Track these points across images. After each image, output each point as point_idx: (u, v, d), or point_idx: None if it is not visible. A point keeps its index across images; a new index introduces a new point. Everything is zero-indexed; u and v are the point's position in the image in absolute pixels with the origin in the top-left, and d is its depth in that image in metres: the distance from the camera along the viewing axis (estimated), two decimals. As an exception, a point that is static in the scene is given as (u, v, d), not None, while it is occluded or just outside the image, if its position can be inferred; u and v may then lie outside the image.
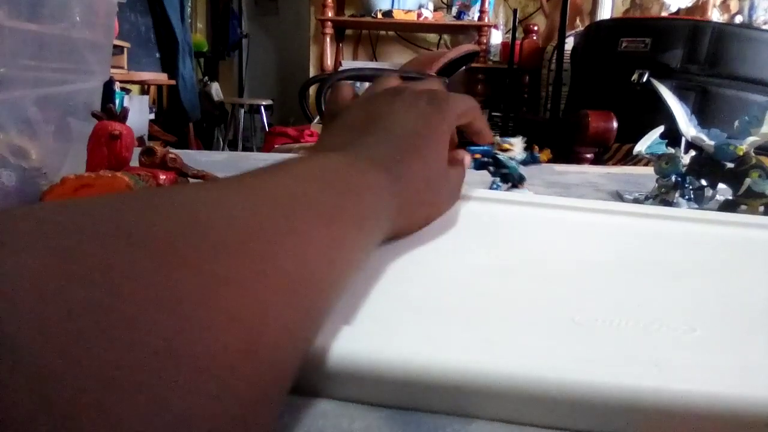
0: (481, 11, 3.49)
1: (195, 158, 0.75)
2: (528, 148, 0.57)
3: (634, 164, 1.43)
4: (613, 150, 1.95)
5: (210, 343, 0.14)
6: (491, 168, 0.57)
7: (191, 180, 0.48)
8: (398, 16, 3.41)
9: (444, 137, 0.36)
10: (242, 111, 4.09)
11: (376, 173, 0.29)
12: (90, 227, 0.14)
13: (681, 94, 1.75)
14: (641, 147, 0.62)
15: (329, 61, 3.60)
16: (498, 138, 0.58)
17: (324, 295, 0.21)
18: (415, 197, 0.33)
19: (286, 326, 0.17)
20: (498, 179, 0.57)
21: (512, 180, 0.57)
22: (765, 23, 2.23)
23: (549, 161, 0.59)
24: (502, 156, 0.56)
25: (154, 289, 0.14)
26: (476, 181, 0.63)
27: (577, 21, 2.93)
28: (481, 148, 0.57)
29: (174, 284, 0.14)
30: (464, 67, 2.84)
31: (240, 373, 0.14)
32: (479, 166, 0.58)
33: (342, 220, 0.23)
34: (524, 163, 0.57)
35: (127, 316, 0.13)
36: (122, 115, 0.46)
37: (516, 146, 0.57)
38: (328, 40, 3.55)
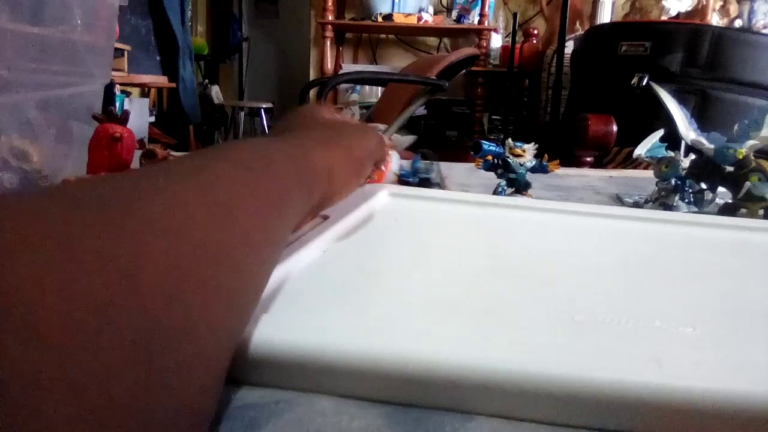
0: (481, 15, 3.49)
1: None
2: (538, 155, 0.58)
3: (634, 167, 1.43)
4: (613, 153, 1.95)
5: (84, 278, 0.15)
6: (499, 170, 0.58)
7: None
8: (398, 19, 3.41)
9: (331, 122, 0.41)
10: (242, 114, 4.10)
11: (285, 141, 0.33)
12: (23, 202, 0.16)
13: (681, 97, 1.75)
14: (641, 150, 0.62)
15: (329, 65, 3.60)
16: (510, 141, 0.58)
17: (217, 231, 0.21)
18: (327, 162, 0.35)
19: (167, 262, 0.18)
20: (504, 183, 0.57)
21: (518, 186, 0.57)
22: (764, 27, 2.23)
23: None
24: (512, 161, 0.57)
25: (39, 241, 0.15)
26: (478, 184, 0.63)
27: (577, 25, 2.93)
28: (493, 149, 0.57)
29: (54, 234, 0.15)
30: (464, 71, 2.85)
31: (120, 305, 0.15)
32: (489, 167, 0.58)
33: (221, 164, 0.25)
34: (533, 170, 0.57)
35: (21, 264, 0.14)
36: (123, 118, 0.47)
37: (528, 153, 0.57)
38: (328, 43, 3.55)
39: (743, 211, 0.53)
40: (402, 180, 0.58)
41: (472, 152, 0.58)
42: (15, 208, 0.16)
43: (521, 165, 0.57)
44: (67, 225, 0.16)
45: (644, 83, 1.94)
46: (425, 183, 0.58)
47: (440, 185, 0.58)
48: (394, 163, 0.58)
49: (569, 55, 2.48)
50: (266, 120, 4.08)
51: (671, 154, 0.60)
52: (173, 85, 3.44)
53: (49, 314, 0.13)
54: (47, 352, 0.13)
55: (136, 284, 0.16)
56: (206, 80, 4.29)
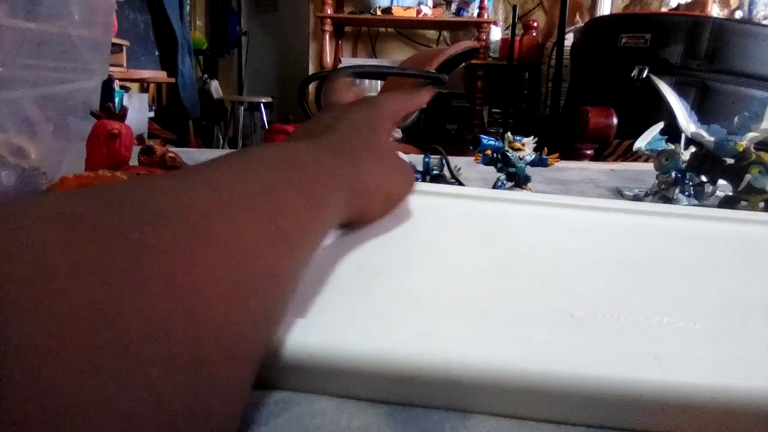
0: (481, 8, 3.48)
1: (195, 156, 0.75)
2: (538, 149, 0.57)
3: (634, 160, 1.43)
4: (613, 146, 1.95)
5: (139, 306, 0.14)
6: (499, 164, 0.57)
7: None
8: (397, 12, 3.40)
9: (385, 134, 0.39)
10: (242, 108, 4.09)
11: (324, 153, 0.30)
12: (31, 211, 0.15)
13: (681, 89, 1.75)
14: (641, 143, 0.62)
15: (328, 59, 3.59)
16: (510, 135, 0.58)
17: (273, 259, 0.21)
18: (368, 179, 0.34)
19: (226, 289, 0.17)
20: (504, 177, 0.57)
21: (517, 180, 0.57)
22: (765, 18, 2.22)
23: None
24: (511, 154, 0.56)
25: (78, 260, 0.14)
26: (477, 178, 0.63)
27: (577, 17, 2.92)
28: (493, 144, 0.57)
29: (97, 253, 0.14)
30: (464, 64, 2.84)
31: (176, 334, 0.15)
32: (488, 161, 0.58)
33: (285, 190, 0.24)
34: (532, 163, 0.57)
35: (53, 288, 0.13)
36: (121, 114, 0.46)
37: (527, 146, 0.57)
38: (327, 37, 3.54)
39: (744, 203, 0.53)
40: None
41: (471, 147, 0.57)
42: (78, 230, 0.15)
43: (521, 159, 0.56)
44: (132, 248, 0.15)
45: (644, 75, 1.93)
46: (438, 179, 0.58)
47: (457, 181, 0.57)
48: None
49: (569, 48, 2.47)
50: (266, 114, 4.07)
51: (671, 146, 0.60)
52: (172, 80, 3.43)
53: (97, 341, 0.13)
54: (97, 378, 0.12)
55: (194, 314, 0.15)
56: (205, 75, 4.28)
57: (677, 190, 0.58)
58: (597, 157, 1.94)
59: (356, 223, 0.36)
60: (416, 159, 0.60)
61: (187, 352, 0.15)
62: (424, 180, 0.58)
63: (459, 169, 0.58)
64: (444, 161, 0.58)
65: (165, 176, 0.21)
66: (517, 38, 2.96)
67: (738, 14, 2.26)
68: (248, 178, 0.23)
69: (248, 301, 0.18)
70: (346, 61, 3.71)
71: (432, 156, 0.58)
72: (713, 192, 0.59)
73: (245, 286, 0.18)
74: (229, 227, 0.19)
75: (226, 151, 1.46)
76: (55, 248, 0.14)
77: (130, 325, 0.14)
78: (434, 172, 0.58)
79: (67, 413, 0.12)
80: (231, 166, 0.23)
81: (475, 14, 3.51)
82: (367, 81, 3.40)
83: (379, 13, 3.42)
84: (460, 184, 0.56)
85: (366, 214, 0.36)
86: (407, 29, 3.84)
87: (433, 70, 1.80)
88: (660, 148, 0.60)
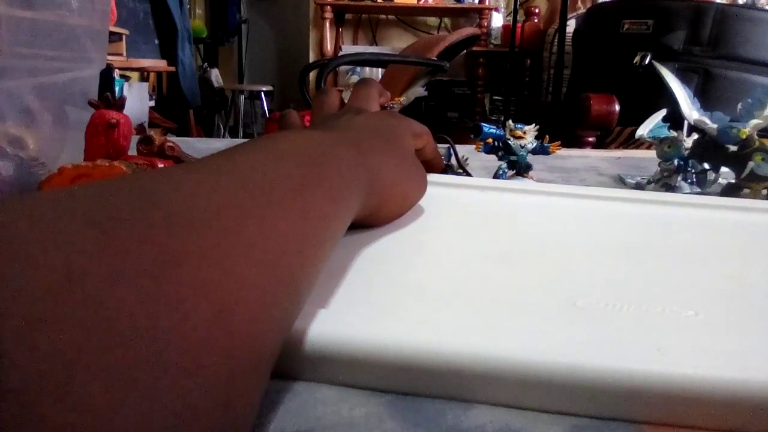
0: (482, -6, 3.46)
1: (195, 146, 0.75)
2: (539, 137, 0.57)
3: (636, 147, 1.43)
4: (615, 133, 1.94)
5: (175, 316, 0.14)
6: (500, 153, 0.57)
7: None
8: (398, -1, 3.38)
9: (408, 141, 0.38)
10: (242, 97, 4.08)
11: (346, 147, 0.29)
12: (46, 213, 0.14)
13: (684, 76, 1.74)
14: (643, 130, 0.62)
15: (329, 46, 3.58)
16: (511, 123, 0.57)
17: (298, 265, 0.20)
18: (387, 179, 0.34)
19: (258, 298, 0.17)
20: (505, 165, 0.57)
21: (519, 168, 0.57)
22: (768, 3, 2.21)
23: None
24: (513, 143, 0.56)
25: (109, 266, 0.13)
26: (478, 166, 0.63)
27: (579, 3, 2.90)
28: (494, 132, 0.56)
29: (130, 260, 0.14)
30: (465, 51, 2.82)
31: (211, 345, 0.14)
32: (489, 150, 0.57)
33: (312, 190, 0.23)
34: (534, 152, 0.57)
35: (83, 297, 0.12)
36: (119, 104, 0.46)
37: (528, 134, 0.56)
38: (327, 24, 3.53)
39: (746, 191, 0.53)
40: None
41: (472, 135, 0.57)
42: (112, 232, 0.14)
43: (522, 147, 0.56)
44: (165, 253, 0.14)
45: (647, 62, 1.92)
46: (445, 169, 0.57)
47: (465, 171, 0.57)
48: None
49: (571, 34, 2.46)
50: (266, 103, 4.06)
51: (674, 134, 0.59)
52: (172, 68, 3.42)
53: (132, 354, 0.12)
54: (133, 393, 0.12)
55: (228, 323, 0.15)
56: (205, 63, 4.27)
57: (680, 178, 0.58)
58: (599, 145, 1.93)
59: (368, 222, 0.35)
60: None
61: (221, 363, 0.14)
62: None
63: (467, 159, 0.58)
64: (452, 151, 0.57)
65: (190, 169, 0.20)
66: (519, 25, 2.94)
67: (741, -1, 2.24)
68: (277, 176, 0.22)
69: (272, 311, 0.18)
70: (347, 48, 3.70)
71: (439, 145, 0.58)
72: (716, 179, 0.59)
73: (273, 295, 0.18)
74: (260, 230, 0.18)
75: (228, 140, 1.46)
76: (84, 252, 0.13)
77: (165, 336, 0.13)
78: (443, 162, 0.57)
79: (102, 430, 0.11)
80: (257, 160, 0.22)
81: (477, 1, 3.49)
82: (367, 68, 3.39)
83: (379, 0, 3.40)
84: (468, 174, 0.56)
85: (380, 213, 0.35)
86: (408, 16, 3.82)
87: (434, 58, 1.79)
88: (662, 136, 0.60)
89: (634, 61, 1.95)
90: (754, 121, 0.55)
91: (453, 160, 0.57)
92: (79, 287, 0.12)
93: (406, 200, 0.38)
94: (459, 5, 3.51)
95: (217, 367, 0.14)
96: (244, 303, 0.16)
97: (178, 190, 0.18)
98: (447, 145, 0.57)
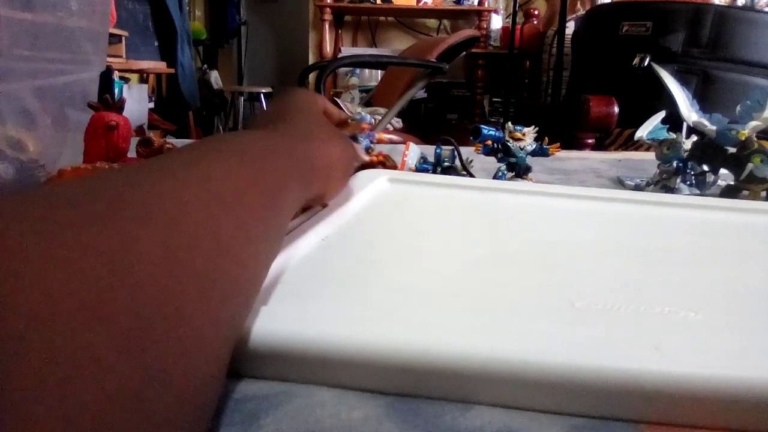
0: (481, -4, 3.46)
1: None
2: (538, 139, 0.57)
3: (636, 149, 1.43)
4: (615, 135, 1.94)
5: (69, 277, 0.14)
6: (499, 155, 0.57)
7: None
8: (398, 1, 3.38)
9: (325, 120, 0.42)
10: (242, 99, 4.07)
11: (282, 139, 0.32)
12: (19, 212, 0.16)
13: (682, 78, 1.74)
14: (642, 132, 0.62)
15: (328, 48, 3.58)
16: (510, 125, 0.57)
17: (236, 263, 0.21)
18: (325, 155, 0.36)
19: (156, 257, 0.17)
20: (504, 167, 0.57)
21: (518, 170, 0.57)
22: (767, 5, 2.21)
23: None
24: (512, 145, 0.56)
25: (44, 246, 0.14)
26: (478, 168, 0.63)
27: (578, 5, 2.90)
28: (493, 134, 0.56)
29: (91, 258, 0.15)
30: (464, 53, 2.83)
31: (108, 300, 0.15)
32: (488, 151, 0.57)
33: (253, 188, 0.25)
34: (533, 153, 0.57)
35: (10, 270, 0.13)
36: (119, 106, 0.46)
37: (528, 136, 0.56)
38: (327, 26, 3.52)
39: (745, 193, 0.53)
40: (420, 170, 0.56)
41: (471, 137, 0.57)
42: None
43: (521, 149, 0.56)
44: (48, 223, 0.15)
45: (646, 64, 1.92)
46: (449, 171, 0.57)
47: (468, 173, 0.57)
48: (411, 157, 0.57)
49: (570, 36, 2.46)
50: (266, 104, 4.05)
51: (673, 135, 0.59)
52: (172, 70, 3.41)
53: (29, 313, 0.13)
54: (29, 351, 0.12)
55: (125, 278, 0.16)
56: (205, 65, 4.26)
57: (679, 180, 0.58)
58: (598, 147, 1.93)
59: (322, 199, 0.39)
60: (428, 150, 0.60)
61: (121, 317, 0.15)
62: (435, 171, 0.57)
63: (471, 161, 0.58)
64: (456, 153, 0.57)
65: (150, 168, 0.22)
66: (518, 27, 2.94)
67: (740, 1, 2.24)
68: (220, 174, 0.24)
69: (187, 267, 0.19)
70: (346, 50, 3.69)
71: (444, 147, 0.58)
72: (715, 181, 0.59)
73: (216, 283, 0.19)
74: (206, 223, 0.20)
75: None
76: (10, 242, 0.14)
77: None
78: (445, 163, 0.57)
79: (3, 389, 0.12)
80: (202, 159, 0.24)
81: (476, 2, 3.49)
82: (367, 70, 3.39)
83: (379, 1, 3.40)
84: (471, 176, 0.56)
85: (327, 187, 0.38)
86: (407, 18, 3.82)
87: (434, 60, 1.80)
88: (661, 137, 0.60)
89: (633, 63, 1.96)
90: (753, 123, 0.55)
91: (457, 162, 0.58)
92: (46, 287, 0.14)
93: (348, 169, 0.41)
94: (458, 7, 3.51)
95: (118, 319, 0.15)
96: (141, 258, 0.17)
97: (103, 175, 0.20)
98: (451, 147, 0.58)
